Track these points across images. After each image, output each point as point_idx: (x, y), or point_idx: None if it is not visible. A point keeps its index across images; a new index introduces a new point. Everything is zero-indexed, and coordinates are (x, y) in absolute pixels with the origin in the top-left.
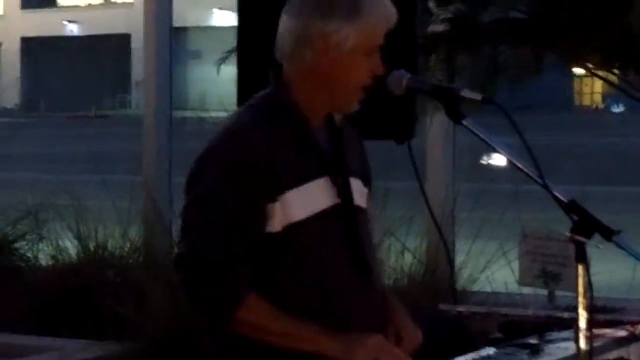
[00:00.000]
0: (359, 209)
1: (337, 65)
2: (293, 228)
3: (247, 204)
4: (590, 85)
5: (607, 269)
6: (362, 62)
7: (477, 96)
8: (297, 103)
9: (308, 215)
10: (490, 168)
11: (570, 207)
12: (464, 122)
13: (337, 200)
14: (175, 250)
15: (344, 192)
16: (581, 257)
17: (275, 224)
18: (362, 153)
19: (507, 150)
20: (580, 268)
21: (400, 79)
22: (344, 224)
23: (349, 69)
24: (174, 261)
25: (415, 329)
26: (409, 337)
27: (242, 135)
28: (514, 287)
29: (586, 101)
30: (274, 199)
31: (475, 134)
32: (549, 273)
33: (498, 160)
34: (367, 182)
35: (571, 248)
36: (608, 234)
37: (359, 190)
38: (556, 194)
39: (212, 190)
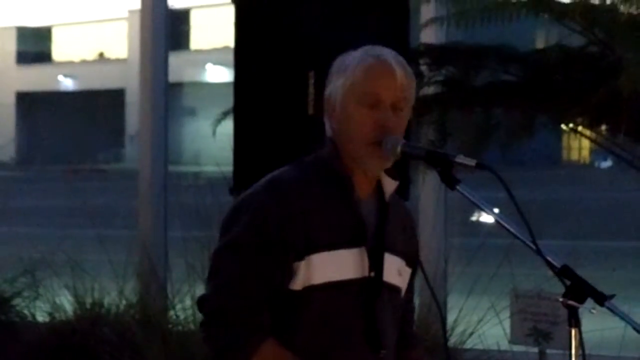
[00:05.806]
0: (388, 286)
1: (341, 122)
2: (311, 290)
3: (273, 257)
4: (578, 141)
5: (599, 327)
6: (359, 113)
7: (472, 162)
8: (344, 169)
9: (327, 281)
10: (482, 224)
11: (563, 273)
12: (459, 188)
13: (366, 274)
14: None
15: (376, 266)
16: (574, 322)
17: (298, 283)
18: (410, 234)
19: (500, 215)
20: (573, 332)
21: (395, 144)
22: (366, 298)
23: (348, 120)
24: (197, 302)
25: None
26: None
27: (280, 189)
28: (505, 344)
29: (574, 156)
30: (301, 258)
31: (470, 200)
32: (540, 331)
33: (488, 217)
34: (411, 263)
35: (562, 306)
36: (601, 299)
37: (395, 268)
38: (549, 259)
39: (242, 239)
